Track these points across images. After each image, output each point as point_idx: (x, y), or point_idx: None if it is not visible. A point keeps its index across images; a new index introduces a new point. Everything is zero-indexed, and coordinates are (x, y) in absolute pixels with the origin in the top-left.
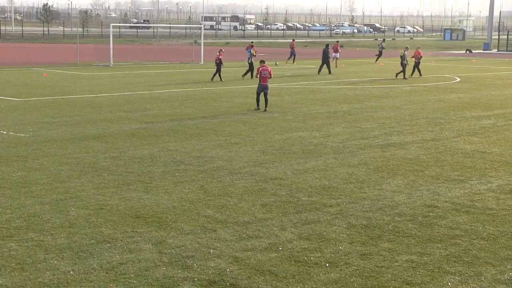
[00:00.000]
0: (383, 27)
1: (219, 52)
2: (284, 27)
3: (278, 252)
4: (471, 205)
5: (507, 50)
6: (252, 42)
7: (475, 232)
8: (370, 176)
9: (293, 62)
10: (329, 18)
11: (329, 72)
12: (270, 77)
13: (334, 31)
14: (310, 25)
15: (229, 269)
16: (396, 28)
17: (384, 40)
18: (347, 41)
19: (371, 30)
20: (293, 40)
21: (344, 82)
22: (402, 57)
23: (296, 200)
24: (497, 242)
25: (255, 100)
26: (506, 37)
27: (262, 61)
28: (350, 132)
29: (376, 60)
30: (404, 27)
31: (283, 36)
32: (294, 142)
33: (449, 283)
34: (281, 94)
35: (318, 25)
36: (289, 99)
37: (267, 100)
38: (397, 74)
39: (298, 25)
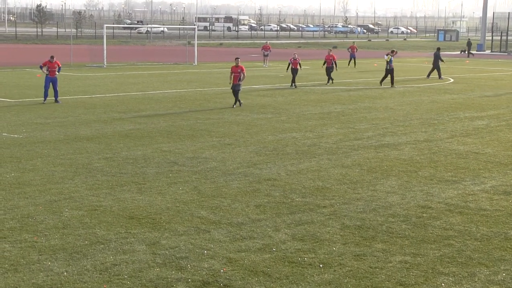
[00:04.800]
0: (377, 27)
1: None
2: (278, 28)
3: (272, 253)
4: (465, 206)
5: (500, 51)
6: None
7: (468, 233)
8: (363, 177)
9: (355, 66)
10: (322, 19)
11: (439, 76)
12: (243, 77)
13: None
14: (304, 26)
15: (223, 270)
16: (390, 29)
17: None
18: (341, 42)
19: (365, 31)
20: (354, 43)
21: (337, 83)
22: (389, 62)
23: (290, 201)
24: (491, 242)
25: (249, 102)
26: (499, 38)
27: (236, 59)
28: (343, 133)
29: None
30: (398, 28)
31: (277, 37)
32: (287, 143)
33: (443, 284)
34: (274, 95)
35: (312, 26)
36: (283, 100)
37: (236, 97)
38: (381, 81)
39: (292, 26)
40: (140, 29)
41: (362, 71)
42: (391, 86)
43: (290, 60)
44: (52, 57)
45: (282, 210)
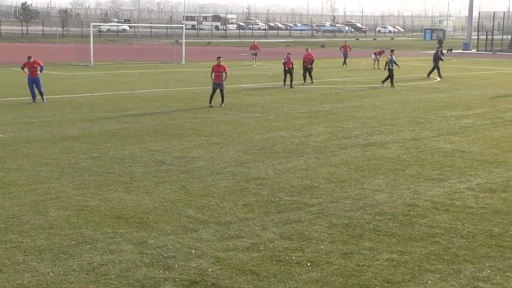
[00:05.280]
0: (364, 27)
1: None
2: (266, 27)
3: (260, 251)
4: (451, 203)
5: (486, 50)
6: (289, 50)
7: (454, 231)
8: (351, 175)
9: (345, 65)
10: (310, 18)
11: (428, 75)
12: (226, 76)
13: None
14: (292, 25)
15: (210, 269)
16: (377, 28)
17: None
18: (329, 41)
19: (352, 30)
20: (346, 42)
21: (325, 82)
22: (389, 62)
23: (278, 199)
24: (476, 240)
25: (237, 101)
26: (485, 37)
27: (218, 58)
28: (331, 131)
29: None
30: (385, 27)
31: (265, 36)
32: (275, 141)
33: (429, 281)
34: (262, 94)
35: (300, 25)
36: (271, 99)
37: (223, 96)
38: (383, 81)
39: (280, 25)
40: (100, 27)
41: (350, 70)
42: (391, 86)
43: (284, 59)
44: (29, 57)
45: (270, 209)
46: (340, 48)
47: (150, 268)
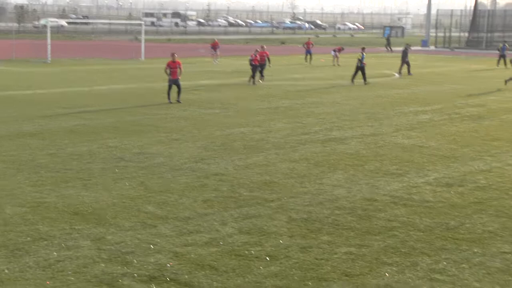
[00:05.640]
0: (324, 24)
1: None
2: (226, 24)
3: (219, 246)
4: (409, 198)
5: (444, 47)
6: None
7: (412, 224)
8: (310, 170)
9: (310, 62)
10: (271, 15)
11: (399, 72)
12: (180, 72)
13: (281, 27)
14: (252, 22)
15: (169, 264)
16: (337, 25)
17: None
18: (289, 38)
19: (313, 27)
20: (309, 38)
21: (285, 78)
22: (360, 60)
23: (238, 195)
24: (433, 233)
25: (197, 97)
26: (443, 34)
27: (173, 54)
28: (291, 127)
29: (498, 63)
30: (345, 24)
31: (225, 33)
32: (235, 137)
33: (387, 274)
34: (222, 90)
35: (260, 22)
36: (231, 95)
37: (180, 91)
38: (364, 79)
39: (240, 22)
40: (36, 23)
41: (309, 66)
42: (365, 83)
43: (251, 56)
44: None
45: (229, 204)
46: (303, 45)
47: (108, 264)
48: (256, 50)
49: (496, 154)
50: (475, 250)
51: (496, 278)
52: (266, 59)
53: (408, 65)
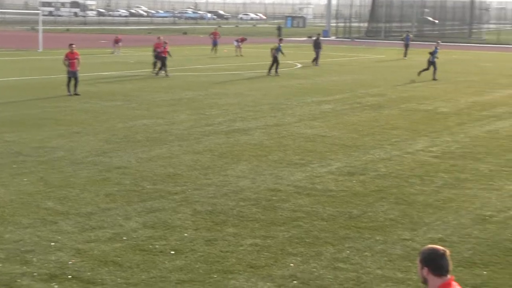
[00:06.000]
0: (227, 14)
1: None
2: (127, 14)
3: (123, 242)
4: (312, 187)
5: (344, 37)
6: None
7: (316, 214)
8: (215, 162)
9: (216, 52)
10: (173, 5)
11: (316, 63)
12: (78, 63)
13: (183, 17)
14: (154, 12)
15: (71, 261)
16: (239, 15)
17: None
18: (191, 28)
19: (215, 17)
20: (216, 29)
21: (188, 69)
22: (276, 50)
23: (141, 188)
24: (336, 222)
25: (98, 89)
26: (343, 24)
27: (71, 45)
28: (194, 119)
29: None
30: (247, 14)
31: (126, 23)
32: (138, 130)
33: (291, 264)
34: (124, 81)
35: (162, 12)
36: (132, 87)
37: (77, 83)
38: (270, 69)
39: (142, 12)
40: None
41: (213, 57)
42: (275, 74)
43: (160, 48)
44: None
45: (132, 198)
46: (210, 35)
47: (6, 264)
48: (165, 42)
49: (395, 142)
50: (377, 238)
51: (397, 264)
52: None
53: (318, 56)
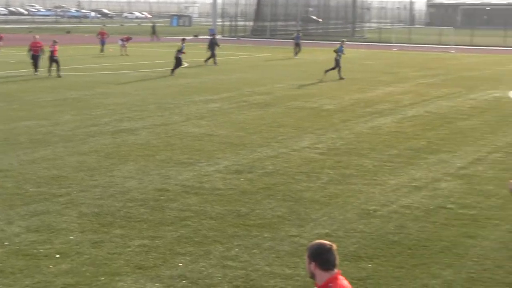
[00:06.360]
0: (112, 12)
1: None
2: (6, 12)
3: (5, 247)
4: (200, 186)
5: (230, 36)
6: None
7: (204, 213)
8: (101, 163)
9: (102, 51)
10: (54, 3)
11: (214, 62)
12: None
13: (65, 16)
14: (35, 10)
15: None
16: (124, 14)
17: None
18: (74, 27)
19: (99, 15)
20: (102, 28)
21: (73, 69)
22: (179, 50)
23: (24, 191)
24: (225, 220)
25: None
26: (229, 23)
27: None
28: (80, 119)
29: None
30: (132, 13)
31: (6, 22)
32: (20, 131)
33: (180, 264)
34: (6, 82)
35: (44, 10)
36: (15, 87)
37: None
38: (173, 70)
39: (21, 10)
40: None
41: (97, 56)
42: (171, 74)
43: (51, 47)
44: None
45: (15, 201)
46: (97, 35)
47: None
48: (55, 41)
49: (282, 140)
50: (265, 235)
51: (286, 261)
52: (41, 50)
53: (214, 56)
